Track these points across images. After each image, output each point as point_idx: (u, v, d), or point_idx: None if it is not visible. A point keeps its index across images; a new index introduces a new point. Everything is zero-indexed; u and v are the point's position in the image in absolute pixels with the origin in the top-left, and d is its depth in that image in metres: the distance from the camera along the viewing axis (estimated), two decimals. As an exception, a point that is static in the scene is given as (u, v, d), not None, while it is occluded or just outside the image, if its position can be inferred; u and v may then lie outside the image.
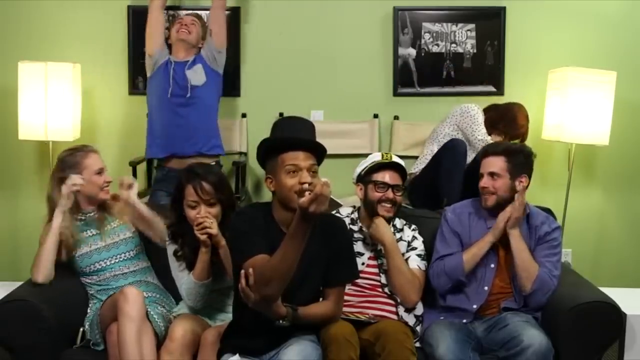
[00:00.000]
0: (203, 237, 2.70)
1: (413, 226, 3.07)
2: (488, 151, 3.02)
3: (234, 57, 4.02)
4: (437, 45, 4.16)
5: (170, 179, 3.54)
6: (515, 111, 3.83)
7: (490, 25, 4.15)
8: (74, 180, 2.87)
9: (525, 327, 2.69)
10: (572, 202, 3.93)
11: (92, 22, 4.08)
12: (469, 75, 4.17)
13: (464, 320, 2.87)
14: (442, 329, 2.75)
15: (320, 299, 2.57)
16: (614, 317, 2.75)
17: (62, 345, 2.77)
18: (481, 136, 3.72)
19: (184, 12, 4.03)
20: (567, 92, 3.75)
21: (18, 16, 4.05)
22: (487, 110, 3.85)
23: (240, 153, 4.12)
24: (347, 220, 2.95)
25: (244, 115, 4.16)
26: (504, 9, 4.14)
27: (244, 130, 4.13)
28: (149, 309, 2.75)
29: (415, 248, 2.99)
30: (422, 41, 4.15)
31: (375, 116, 4.18)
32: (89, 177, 2.94)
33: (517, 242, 2.87)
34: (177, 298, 2.96)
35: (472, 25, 4.15)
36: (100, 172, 2.98)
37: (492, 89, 4.17)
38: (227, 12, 3.86)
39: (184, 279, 2.78)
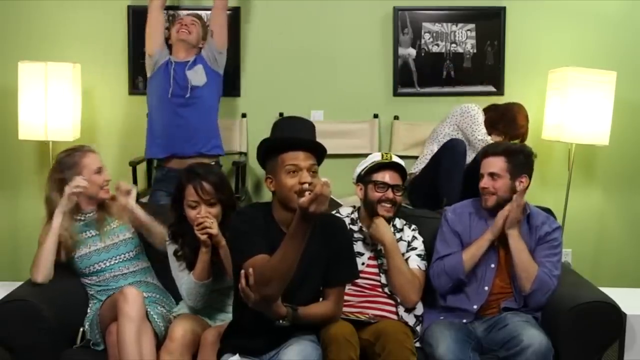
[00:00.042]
0: (203, 237, 2.70)
1: (413, 226, 3.07)
2: (488, 151, 3.01)
3: (234, 57, 4.02)
4: (437, 45, 4.16)
5: (170, 179, 3.54)
6: (515, 111, 3.83)
7: (490, 25, 4.15)
8: (78, 182, 2.87)
9: (525, 327, 2.69)
10: (572, 202, 3.93)
11: (92, 22, 4.08)
12: (469, 75, 4.17)
13: (464, 320, 2.86)
14: (442, 329, 2.75)
15: (320, 299, 2.57)
16: (614, 317, 2.75)
17: (62, 345, 2.77)
18: (481, 136, 3.72)
19: (184, 12, 4.03)
20: (567, 92, 3.75)
21: (18, 16, 4.05)
22: (487, 111, 3.85)
23: (240, 153, 4.12)
24: (347, 220, 2.95)
25: (244, 115, 4.16)
26: (504, 9, 4.14)
27: (244, 130, 4.14)
28: (148, 309, 2.74)
29: (415, 248, 2.99)
30: (422, 41, 4.15)
31: (375, 116, 4.19)
32: (89, 176, 2.94)
33: (516, 242, 2.87)
34: (177, 298, 2.96)
35: (472, 25, 4.15)
36: (99, 171, 2.99)
37: (492, 89, 4.18)
38: (227, 12, 3.86)
39: (184, 279, 2.78)
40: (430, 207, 3.43)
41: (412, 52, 4.15)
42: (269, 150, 2.44)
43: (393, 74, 4.16)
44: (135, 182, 3.84)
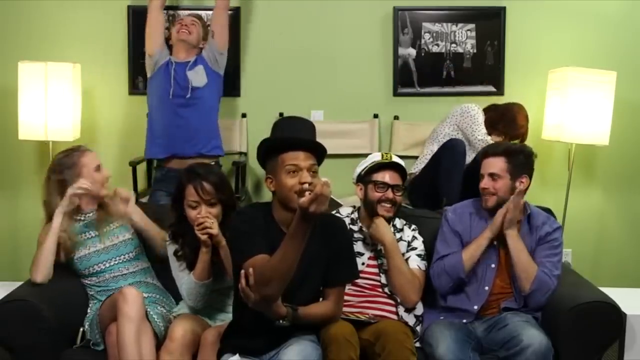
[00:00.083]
0: (204, 237, 2.70)
1: (413, 226, 3.07)
2: (488, 152, 3.01)
3: (234, 57, 4.02)
4: (437, 45, 4.16)
5: (170, 179, 3.54)
6: (515, 111, 3.83)
7: (490, 25, 4.15)
8: (81, 183, 2.87)
9: (525, 327, 2.69)
10: (572, 202, 3.93)
11: (92, 22, 4.08)
12: (469, 75, 4.17)
13: (464, 320, 2.86)
14: (442, 329, 2.75)
15: (320, 299, 2.57)
16: (614, 317, 2.75)
17: (62, 345, 2.77)
18: (481, 136, 3.72)
19: (184, 12, 4.04)
20: (567, 92, 3.75)
21: (18, 16, 4.05)
22: (486, 111, 3.85)
23: (240, 153, 4.12)
24: (347, 220, 2.95)
25: (244, 115, 4.16)
26: (504, 9, 4.14)
27: (244, 130, 4.14)
28: (148, 309, 2.74)
29: (415, 248, 2.99)
30: (422, 41, 4.15)
31: (375, 116, 4.19)
32: (89, 174, 2.94)
33: (515, 243, 2.86)
34: (177, 298, 2.96)
35: (472, 25, 4.15)
36: (98, 168, 2.99)
37: (492, 89, 4.18)
38: (228, 12, 3.86)
39: (185, 279, 2.78)
40: (430, 207, 3.43)
41: (412, 52, 4.15)
42: (269, 150, 2.44)
43: (393, 74, 4.16)
44: (135, 182, 3.85)
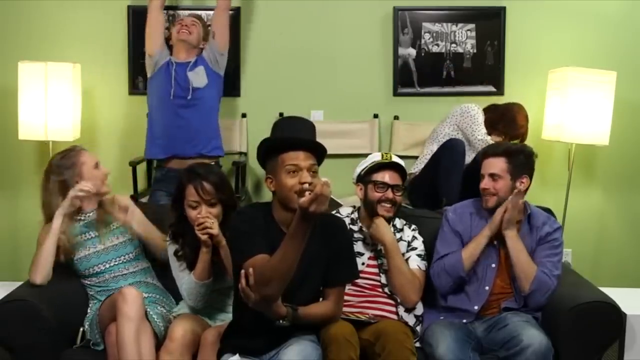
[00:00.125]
0: (204, 237, 2.69)
1: (413, 226, 3.07)
2: (488, 152, 3.01)
3: (234, 57, 4.02)
4: (437, 45, 4.16)
5: (170, 179, 3.54)
6: (515, 111, 3.83)
7: (490, 25, 4.15)
8: (83, 185, 2.87)
9: (525, 327, 2.69)
10: (572, 202, 3.93)
11: (92, 22, 4.08)
12: (469, 75, 4.17)
13: (464, 320, 2.86)
14: (442, 328, 2.75)
15: (320, 299, 2.57)
16: (614, 317, 2.75)
17: (62, 345, 2.77)
18: (481, 136, 3.72)
19: (184, 12, 4.04)
20: (567, 92, 3.75)
21: (18, 16, 4.05)
22: (486, 111, 3.85)
23: (240, 153, 4.12)
24: (347, 220, 2.95)
25: (244, 115, 4.16)
26: (504, 9, 4.14)
27: (244, 130, 4.14)
28: (148, 309, 2.74)
29: (416, 248, 2.99)
30: (422, 41, 4.15)
31: (375, 116, 4.19)
32: (89, 172, 2.94)
33: (514, 243, 2.86)
34: (177, 298, 2.96)
35: (472, 25, 4.15)
36: (97, 166, 2.99)
37: (492, 89, 4.18)
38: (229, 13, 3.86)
39: (185, 279, 2.78)
40: (430, 207, 3.43)
41: (412, 52, 4.15)
42: (269, 150, 2.44)
43: (393, 74, 4.16)
44: (135, 182, 3.85)
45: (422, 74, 4.16)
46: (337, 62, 4.16)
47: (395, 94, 4.18)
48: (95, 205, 3.00)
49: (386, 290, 2.92)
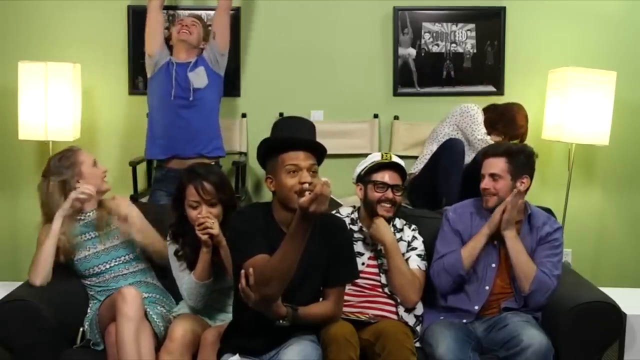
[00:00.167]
0: (204, 237, 2.69)
1: (413, 226, 3.07)
2: (489, 152, 3.01)
3: (234, 57, 4.02)
4: (437, 45, 4.16)
5: (170, 178, 3.54)
6: (515, 111, 3.83)
7: (490, 25, 4.15)
8: (84, 188, 2.87)
9: (525, 327, 2.69)
10: (572, 202, 3.93)
11: (92, 22, 4.08)
12: (469, 75, 4.17)
13: (464, 320, 2.86)
14: (442, 328, 2.75)
15: (320, 299, 2.57)
16: (614, 317, 2.75)
17: (62, 345, 2.77)
18: (481, 136, 3.72)
19: (184, 12, 4.04)
20: (567, 92, 3.75)
21: (18, 16, 4.05)
22: (486, 111, 3.85)
23: (240, 153, 4.12)
24: (347, 220, 2.95)
25: (244, 115, 4.16)
26: (504, 9, 4.14)
27: (244, 130, 4.14)
28: (148, 309, 2.74)
29: (416, 248, 2.99)
30: (422, 41, 4.15)
31: (375, 116, 4.19)
32: (88, 170, 2.95)
33: (513, 244, 2.86)
34: (177, 298, 2.95)
35: (472, 25, 4.15)
36: (95, 164, 3.00)
37: (492, 89, 4.18)
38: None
39: (185, 279, 2.78)
40: (430, 207, 3.43)
41: (412, 52, 4.16)
42: (269, 150, 2.44)
43: (393, 74, 4.16)
44: (135, 182, 3.85)
45: (422, 74, 4.16)
46: (337, 62, 4.16)
47: (395, 94, 4.18)
48: (95, 205, 3.00)
49: (386, 290, 2.92)
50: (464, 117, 3.77)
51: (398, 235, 2.98)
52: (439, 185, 3.54)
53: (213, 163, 3.66)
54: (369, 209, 2.97)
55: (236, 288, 2.38)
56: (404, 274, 2.89)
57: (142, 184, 4.00)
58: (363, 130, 4.17)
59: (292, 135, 2.43)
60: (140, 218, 3.03)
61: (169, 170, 3.68)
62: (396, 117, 4.17)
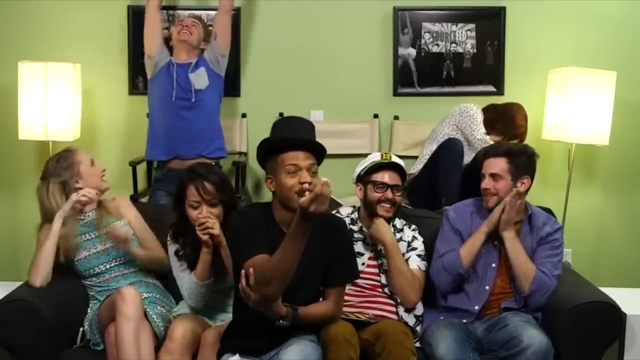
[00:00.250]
0: (205, 238, 2.69)
1: (413, 226, 3.07)
2: (489, 152, 3.01)
3: (235, 57, 4.02)
4: (437, 45, 4.16)
5: (170, 178, 3.54)
6: (514, 111, 3.83)
7: (490, 25, 4.15)
8: (85, 192, 2.88)
9: (525, 327, 2.69)
10: (572, 202, 3.93)
11: (92, 22, 4.08)
12: (469, 75, 4.17)
13: (464, 320, 2.86)
14: (442, 329, 2.75)
15: (320, 299, 2.57)
16: (614, 317, 2.75)
17: (62, 345, 2.77)
18: (480, 136, 3.72)
19: (185, 12, 4.04)
20: (567, 92, 3.75)
21: (18, 16, 4.05)
22: (485, 111, 3.84)
23: (240, 153, 4.12)
24: (347, 220, 2.95)
25: (244, 115, 4.16)
26: (504, 9, 4.14)
27: (244, 130, 4.14)
28: (148, 309, 2.74)
29: (416, 248, 2.99)
30: (422, 41, 4.15)
31: (375, 116, 4.19)
32: (87, 170, 2.95)
33: (513, 244, 2.86)
34: (177, 298, 2.95)
35: (472, 25, 4.15)
36: (93, 163, 3.01)
37: (492, 89, 4.18)
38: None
39: (185, 279, 2.78)
40: (430, 207, 3.43)
41: (412, 52, 4.15)
42: (269, 151, 2.44)
43: (393, 74, 4.16)
44: (135, 182, 3.85)
45: (422, 74, 4.16)
46: (337, 62, 4.16)
47: (395, 94, 4.18)
48: (95, 206, 3.00)
49: (386, 290, 2.92)
50: (463, 117, 3.77)
51: (398, 235, 2.98)
52: (438, 185, 3.54)
53: (214, 163, 3.66)
54: (368, 209, 2.97)
55: (236, 288, 2.38)
56: (404, 274, 2.89)
57: (142, 184, 4.00)
58: (363, 130, 4.17)
59: (292, 135, 2.43)
60: (139, 220, 3.04)
61: (169, 170, 3.68)
62: (396, 117, 4.17)
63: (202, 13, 4.00)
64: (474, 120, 3.75)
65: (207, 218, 2.70)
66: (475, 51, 4.16)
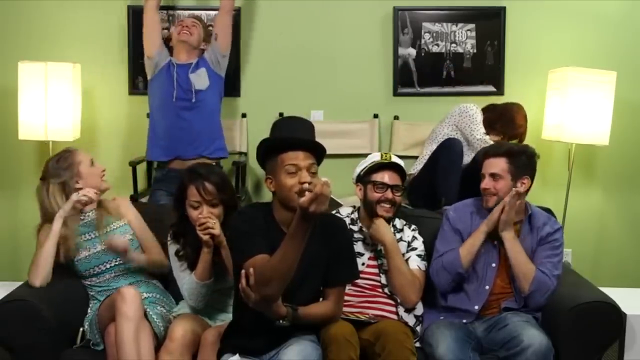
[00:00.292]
0: (205, 238, 2.69)
1: (413, 226, 3.07)
2: (489, 152, 3.01)
3: (235, 57, 4.02)
4: (437, 45, 4.16)
5: (170, 178, 3.55)
6: (514, 111, 3.83)
7: (490, 25, 4.15)
8: (86, 192, 2.88)
9: (525, 327, 2.69)
10: (572, 202, 3.93)
11: (92, 22, 4.08)
12: (469, 75, 4.17)
13: (464, 320, 2.86)
14: (442, 329, 2.75)
15: (321, 299, 2.57)
16: (614, 317, 2.75)
17: (62, 345, 2.77)
18: (480, 136, 3.72)
19: (183, 12, 4.04)
20: (567, 92, 3.75)
21: (18, 16, 4.05)
22: (485, 110, 3.84)
23: (240, 153, 4.12)
24: (347, 220, 2.95)
25: (244, 115, 4.16)
26: (504, 9, 4.14)
27: (244, 130, 4.14)
28: (148, 309, 2.74)
29: (416, 248, 2.99)
30: (422, 41, 4.15)
31: (375, 116, 4.19)
32: (86, 170, 2.95)
33: (512, 245, 2.86)
34: (177, 298, 2.96)
35: (472, 25, 4.15)
36: (92, 163, 3.01)
37: (492, 89, 4.18)
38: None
39: (186, 279, 2.78)
40: (430, 207, 3.43)
41: (412, 52, 4.16)
42: (269, 151, 2.44)
43: (393, 74, 4.16)
44: (135, 182, 3.85)
45: (422, 74, 4.16)
46: (337, 62, 4.16)
47: (395, 94, 4.18)
48: (95, 205, 3.00)
49: (386, 290, 2.92)
50: (463, 117, 3.77)
51: (398, 235, 2.98)
52: (437, 185, 3.54)
53: (214, 164, 3.66)
54: (368, 209, 2.97)
55: (236, 288, 2.38)
56: (404, 274, 2.89)
57: (142, 184, 4.00)
58: (363, 130, 4.17)
59: (291, 136, 2.43)
60: (139, 220, 3.04)
61: (169, 170, 3.68)
62: (396, 117, 4.17)
63: (202, 13, 4.00)
64: (473, 120, 3.75)
65: (208, 218, 2.70)
66: (475, 51, 4.16)
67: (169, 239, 2.87)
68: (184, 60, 3.72)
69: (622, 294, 3.03)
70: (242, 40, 4.12)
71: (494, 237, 2.92)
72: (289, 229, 2.21)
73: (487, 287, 2.90)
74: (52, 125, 3.71)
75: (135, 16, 4.01)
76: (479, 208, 3.01)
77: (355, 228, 3.01)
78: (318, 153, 2.44)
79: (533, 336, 2.63)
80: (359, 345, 2.51)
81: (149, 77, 3.80)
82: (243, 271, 2.29)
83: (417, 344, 2.79)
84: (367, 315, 2.81)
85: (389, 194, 2.93)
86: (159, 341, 2.69)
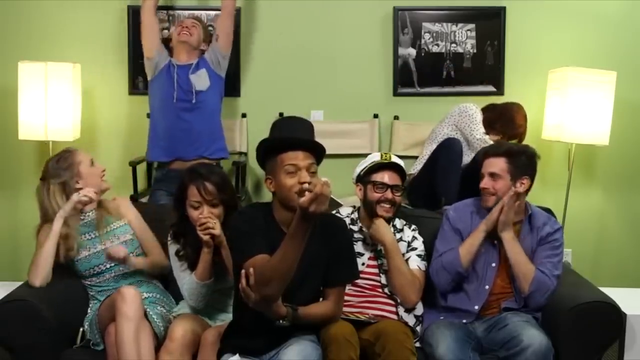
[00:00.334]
0: (206, 238, 2.69)
1: (413, 226, 3.07)
2: (489, 152, 3.01)
3: (235, 57, 4.02)
4: (437, 45, 4.16)
5: (171, 178, 3.55)
6: (514, 111, 3.83)
7: (490, 25, 4.15)
8: (86, 192, 2.88)
9: (525, 327, 2.69)
10: (572, 202, 3.93)
11: (92, 22, 4.08)
12: (469, 75, 4.17)
13: (464, 320, 2.86)
14: (442, 329, 2.75)
15: (321, 299, 2.57)
16: (614, 317, 2.75)
17: (62, 345, 2.77)
18: (479, 135, 3.72)
19: (183, 12, 4.04)
20: (567, 92, 3.75)
21: (18, 16, 4.05)
22: (485, 110, 3.84)
23: (240, 153, 4.12)
24: (347, 220, 2.95)
25: (244, 115, 4.16)
26: (504, 9, 4.14)
27: (244, 130, 4.14)
28: (148, 309, 2.74)
29: (416, 248, 2.99)
30: (422, 41, 4.15)
31: (375, 116, 4.19)
32: (87, 170, 2.95)
33: (511, 245, 2.86)
34: (177, 298, 2.96)
35: (472, 25, 4.15)
36: (92, 163, 3.01)
37: (492, 89, 4.18)
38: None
39: (186, 279, 2.78)
40: (430, 207, 3.43)
41: (412, 52, 4.16)
42: (268, 151, 2.44)
43: (393, 74, 4.16)
44: (135, 182, 3.85)
45: (422, 74, 4.16)
46: (337, 62, 4.16)
47: (395, 94, 4.18)
48: (95, 205, 3.00)
49: (386, 290, 2.92)
50: (463, 117, 3.77)
51: (398, 235, 2.98)
52: (437, 185, 3.54)
53: (214, 163, 3.66)
54: (368, 209, 2.97)
55: (236, 288, 2.38)
56: (404, 274, 2.89)
57: (142, 184, 4.00)
58: (363, 130, 4.17)
59: (291, 136, 2.43)
60: (139, 220, 3.04)
61: (169, 170, 3.68)
62: (396, 117, 4.17)
63: (202, 13, 4.00)
64: (473, 120, 3.75)
65: (208, 218, 2.70)
66: (475, 51, 4.16)
67: (169, 239, 2.87)
68: (184, 61, 3.72)
69: (622, 294, 3.03)
70: (242, 40, 4.12)
71: (493, 237, 2.92)
72: (289, 229, 2.21)
73: (487, 287, 2.90)
74: (52, 125, 3.71)
75: (135, 16, 4.01)
76: (479, 208, 3.01)
77: (355, 228, 3.01)
78: (318, 153, 2.44)
79: (533, 336, 2.63)
80: (359, 345, 2.51)
81: (149, 78, 3.80)
82: (243, 271, 2.29)
83: (417, 344, 2.79)
84: (367, 315, 2.81)
85: (388, 194, 2.93)
86: (159, 341, 2.69)
